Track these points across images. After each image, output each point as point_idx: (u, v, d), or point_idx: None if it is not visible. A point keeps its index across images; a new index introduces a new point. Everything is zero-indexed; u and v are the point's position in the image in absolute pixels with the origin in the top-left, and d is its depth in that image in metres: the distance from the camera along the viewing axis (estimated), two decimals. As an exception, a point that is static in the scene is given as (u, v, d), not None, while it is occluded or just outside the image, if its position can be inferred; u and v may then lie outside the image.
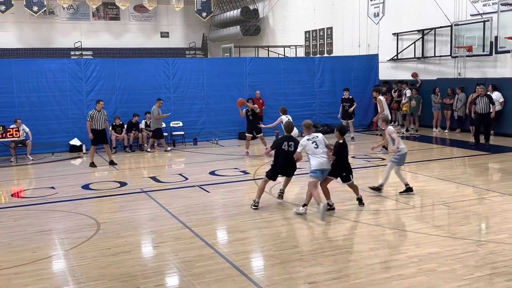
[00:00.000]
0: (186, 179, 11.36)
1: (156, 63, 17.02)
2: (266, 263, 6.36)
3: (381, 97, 14.11)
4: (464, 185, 9.91)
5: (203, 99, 17.31)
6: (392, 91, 19.42)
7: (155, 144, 15.60)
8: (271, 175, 8.81)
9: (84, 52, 31.21)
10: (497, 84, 16.03)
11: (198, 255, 6.50)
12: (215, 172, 11.89)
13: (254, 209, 8.48)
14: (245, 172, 11.88)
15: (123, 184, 11.00)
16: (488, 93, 14.89)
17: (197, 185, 10.55)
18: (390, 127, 9.47)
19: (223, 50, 27.52)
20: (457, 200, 8.83)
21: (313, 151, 8.12)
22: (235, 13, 31.64)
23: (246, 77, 18.06)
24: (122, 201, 9.54)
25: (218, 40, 33.65)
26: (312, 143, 8.18)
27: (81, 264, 6.32)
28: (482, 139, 14.70)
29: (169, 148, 15.59)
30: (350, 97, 16.63)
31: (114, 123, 15.28)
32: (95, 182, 11.42)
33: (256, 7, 31.65)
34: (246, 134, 14.23)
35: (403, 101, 18.38)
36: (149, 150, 15.43)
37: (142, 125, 15.83)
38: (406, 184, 9.27)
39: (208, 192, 10.03)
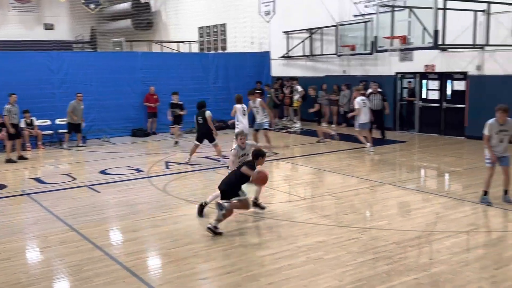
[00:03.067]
0: (74, 179, 10.79)
1: (39, 56, 15.98)
2: (159, 262, 6.26)
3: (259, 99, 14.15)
4: (349, 176, 10.52)
5: (92, 95, 16.49)
6: (284, 88, 20.05)
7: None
8: None
9: (-44, 44, 28.30)
10: (378, 81, 17.18)
11: (86, 258, 6.20)
12: (106, 171, 11.43)
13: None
14: (138, 170, 11.55)
15: (1, 186, 10.17)
16: (379, 89, 15.75)
17: (86, 185, 10.07)
18: None
19: (114, 44, 26.52)
20: (343, 191, 9.36)
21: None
22: (126, 6, 30.62)
23: (138, 73, 17.56)
24: (0, 205, 8.80)
25: (108, 34, 32.33)
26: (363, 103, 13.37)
27: (-49, 277, 5.73)
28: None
29: (65, 146, 15.01)
30: (180, 102, 15.58)
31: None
32: (-31, 186, 10.42)
33: (147, 1, 30.89)
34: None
35: (295, 97, 19.05)
36: (65, 146, 14.92)
37: (22, 124, 14.71)
38: None
39: (99, 192, 9.61)
